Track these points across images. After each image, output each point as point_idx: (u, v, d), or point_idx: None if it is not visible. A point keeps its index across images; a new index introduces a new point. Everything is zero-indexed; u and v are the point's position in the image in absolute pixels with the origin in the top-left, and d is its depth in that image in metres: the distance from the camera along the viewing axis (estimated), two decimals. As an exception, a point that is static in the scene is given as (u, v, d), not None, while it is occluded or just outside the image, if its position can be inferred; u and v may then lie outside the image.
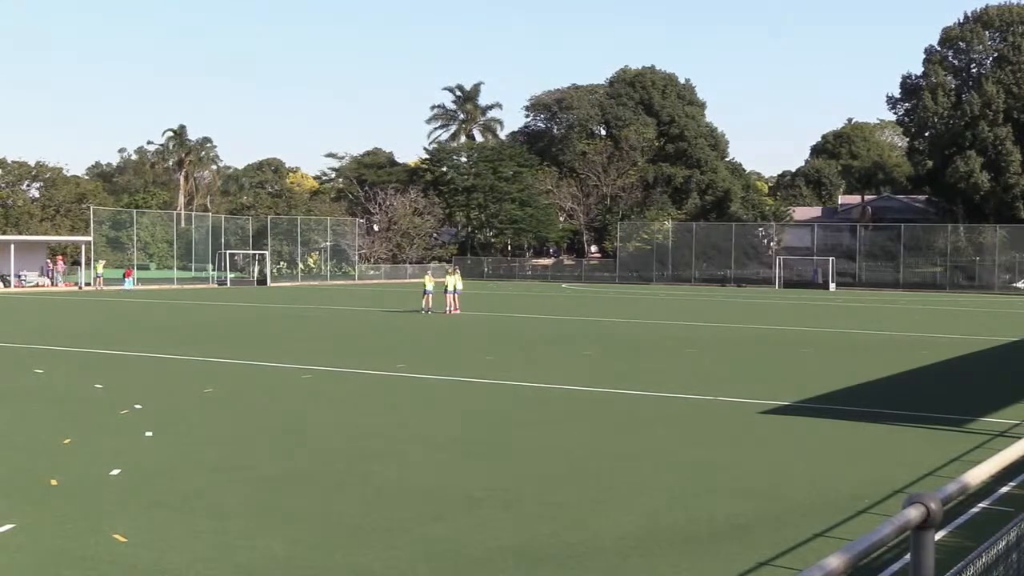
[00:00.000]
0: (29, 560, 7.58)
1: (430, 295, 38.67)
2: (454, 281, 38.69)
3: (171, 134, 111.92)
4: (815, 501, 9.59)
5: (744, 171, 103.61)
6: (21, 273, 60.70)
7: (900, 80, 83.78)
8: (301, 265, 79.33)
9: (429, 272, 45.01)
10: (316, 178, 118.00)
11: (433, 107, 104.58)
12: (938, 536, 4.34)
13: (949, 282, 72.77)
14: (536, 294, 58.88)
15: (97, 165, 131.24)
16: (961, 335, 30.33)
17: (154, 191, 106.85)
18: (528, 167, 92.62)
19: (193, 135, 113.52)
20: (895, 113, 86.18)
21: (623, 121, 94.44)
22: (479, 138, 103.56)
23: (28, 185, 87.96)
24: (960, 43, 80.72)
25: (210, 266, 73.81)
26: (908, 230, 76.69)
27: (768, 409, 15.29)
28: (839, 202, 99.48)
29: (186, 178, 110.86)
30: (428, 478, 10.40)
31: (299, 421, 13.85)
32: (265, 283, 70.69)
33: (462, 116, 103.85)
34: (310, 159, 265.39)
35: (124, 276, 62.93)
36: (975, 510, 9.06)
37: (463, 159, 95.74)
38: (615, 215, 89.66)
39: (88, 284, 61.87)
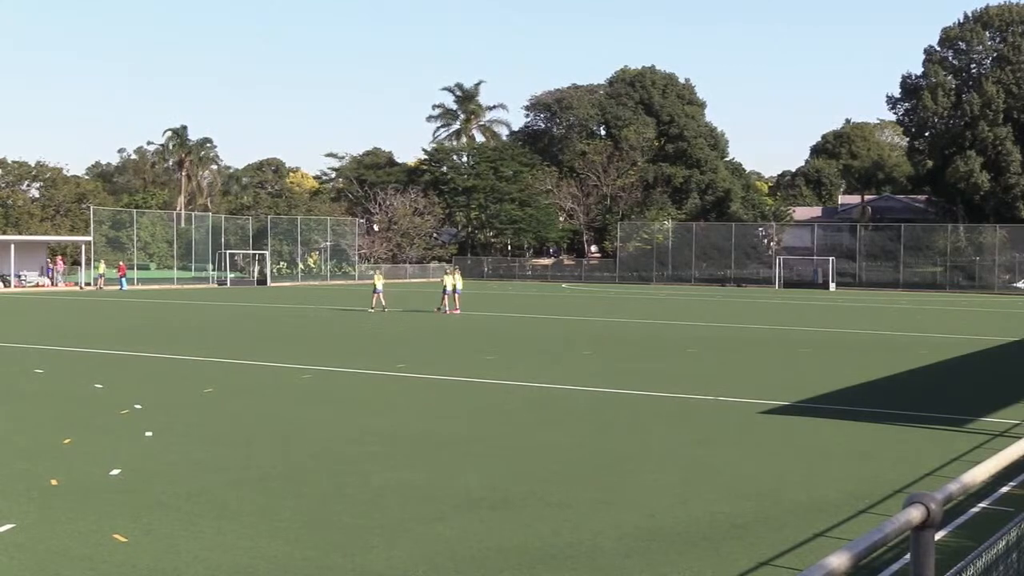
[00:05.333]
0: (29, 560, 7.58)
1: (380, 294, 39.29)
2: (454, 281, 38.73)
3: (171, 134, 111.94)
4: (815, 501, 9.59)
5: (744, 171, 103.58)
6: (21, 273, 60.71)
7: (900, 80, 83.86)
8: (301, 265, 79.33)
9: (379, 271, 45.70)
10: (316, 178, 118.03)
11: (434, 106, 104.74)
12: (938, 536, 4.34)
13: (949, 282, 72.76)
14: (536, 294, 58.88)
15: (97, 165, 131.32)
16: (961, 335, 30.33)
17: (154, 191, 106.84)
18: (528, 167, 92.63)
19: (193, 135, 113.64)
20: (895, 113, 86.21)
21: (623, 121, 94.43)
22: (480, 138, 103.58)
23: (28, 185, 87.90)
24: (960, 43, 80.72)
25: (210, 266, 73.80)
26: (908, 230, 76.68)
27: (768, 409, 15.29)
28: (839, 202, 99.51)
29: (187, 178, 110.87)
30: (428, 478, 10.40)
31: (299, 421, 13.85)
32: (265, 283, 70.70)
33: (463, 116, 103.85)
34: (310, 159, 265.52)
35: (119, 274, 62.66)
36: (975, 510, 9.06)
37: (463, 159, 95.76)
38: (615, 215, 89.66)
39: (88, 284, 61.87)
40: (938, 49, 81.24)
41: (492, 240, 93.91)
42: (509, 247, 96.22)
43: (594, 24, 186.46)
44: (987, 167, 75.95)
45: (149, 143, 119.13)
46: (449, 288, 38.37)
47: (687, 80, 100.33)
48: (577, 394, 16.86)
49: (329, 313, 38.98)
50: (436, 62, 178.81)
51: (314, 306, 43.36)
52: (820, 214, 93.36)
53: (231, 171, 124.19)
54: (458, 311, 37.89)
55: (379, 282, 40.44)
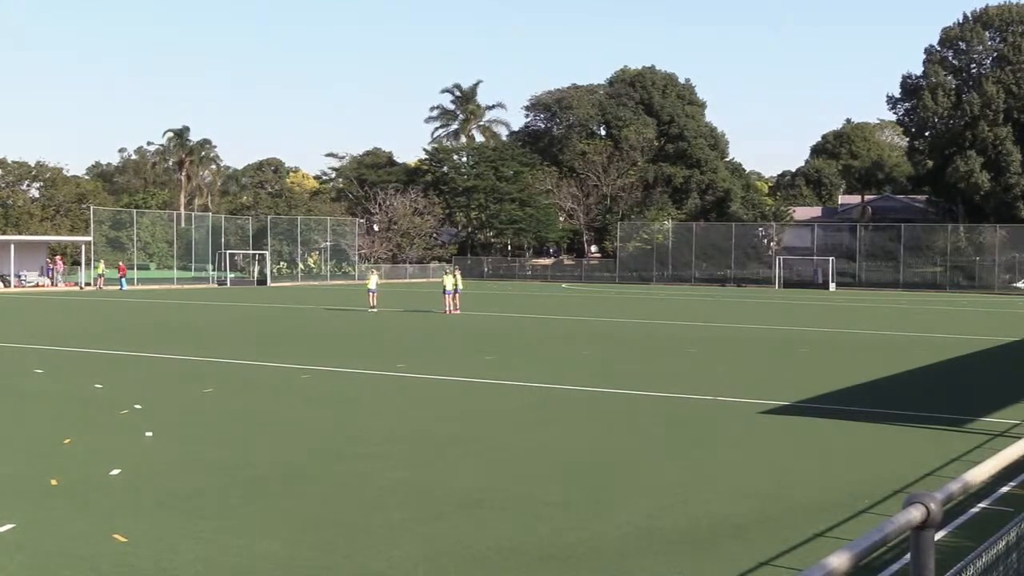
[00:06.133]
0: (29, 560, 7.58)
1: (374, 293, 39.74)
2: (453, 281, 38.72)
3: (172, 134, 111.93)
4: (815, 501, 9.59)
5: (744, 171, 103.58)
6: (21, 273, 60.70)
7: (900, 80, 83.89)
8: (301, 265, 79.33)
9: (374, 271, 46.12)
10: (316, 178, 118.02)
11: (432, 108, 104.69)
12: (938, 536, 4.33)
13: (949, 282, 72.76)
14: (536, 294, 58.88)
15: (97, 165, 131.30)
16: (961, 335, 30.32)
17: (154, 191, 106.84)
18: (528, 167, 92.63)
19: (193, 135, 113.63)
20: (895, 113, 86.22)
21: (623, 121, 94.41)
22: (479, 138, 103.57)
23: (28, 185, 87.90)
24: (960, 43, 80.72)
25: (210, 266, 73.81)
26: (908, 230, 76.68)
27: (768, 409, 15.29)
28: (839, 202, 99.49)
29: (187, 178, 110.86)
30: (428, 478, 10.40)
31: (299, 421, 13.85)
32: (265, 283, 70.70)
33: (462, 116, 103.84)
34: (310, 159, 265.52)
35: (119, 274, 62.77)
36: (975, 510, 9.06)
37: (463, 159, 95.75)
38: (615, 215, 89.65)
39: (88, 284, 61.86)
40: (938, 49, 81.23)
41: (492, 240, 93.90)
42: (509, 247, 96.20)
43: (594, 24, 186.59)
44: (987, 167, 75.93)
45: (149, 143, 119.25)
46: (449, 288, 38.36)
47: (687, 80, 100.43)
48: (577, 394, 16.85)
49: (329, 313, 38.97)
50: (436, 62, 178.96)
51: (314, 306, 43.35)
52: (820, 214, 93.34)
53: (231, 171, 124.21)
54: (458, 311, 37.88)
55: (372, 282, 40.81)
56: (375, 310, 38.89)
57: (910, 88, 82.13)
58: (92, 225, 67.48)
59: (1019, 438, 4.89)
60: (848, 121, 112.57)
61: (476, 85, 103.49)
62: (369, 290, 40.43)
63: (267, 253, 74.53)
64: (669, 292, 63.82)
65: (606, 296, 56.55)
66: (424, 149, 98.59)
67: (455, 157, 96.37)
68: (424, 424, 13.72)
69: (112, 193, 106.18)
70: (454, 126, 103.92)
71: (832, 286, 71.42)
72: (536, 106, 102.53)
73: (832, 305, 49.38)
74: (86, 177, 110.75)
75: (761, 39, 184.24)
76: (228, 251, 72.44)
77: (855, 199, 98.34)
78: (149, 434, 12.60)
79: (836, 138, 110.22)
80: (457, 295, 38.45)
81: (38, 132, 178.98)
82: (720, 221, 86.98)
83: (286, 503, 9.30)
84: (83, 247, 64.42)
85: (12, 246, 60.63)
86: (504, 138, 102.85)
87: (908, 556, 3.36)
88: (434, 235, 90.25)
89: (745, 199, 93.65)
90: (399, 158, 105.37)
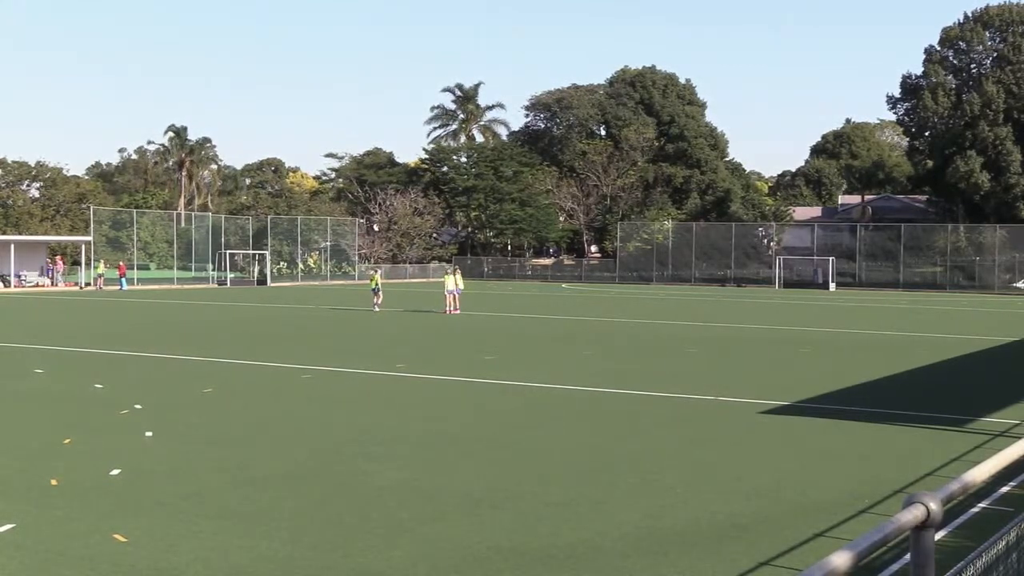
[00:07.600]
0: (29, 560, 7.58)
1: (377, 293, 40.35)
2: (455, 281, 38.76)
3: (172, 134, 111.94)
4: (815, 501, 9.59)
5: (744, 171, 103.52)
6: (21, 273, 60.70)
7: (900, 80, 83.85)
8: (301, 265, 79.33)
9: (377, 271, 46.40)
10: (316, 178, 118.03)
11: (433, 108, 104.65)
12: (938, 536, 4.33)
13: (949, 282, 72.76)
14: (536, 294, 58.87)
15: (97, 165, 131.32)
16: (961, 335, 30.32)
17: (154, 191, 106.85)
18: (528, 167, 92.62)
19: (193, 135, 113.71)
20: (895, 113, 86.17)
21: (623, 121, 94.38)
22: (479, 138, 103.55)
23: (28, 185, 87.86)
24: (960, 43, 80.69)
25: (210, 266, 73.81)
26: (908, 230, 76.67)
27: (768, 409, 15.29)
28: (839, 202, 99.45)
29: (188, 178, 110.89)
30: (428, 478, 10.40)
31: (299, 421, 13.85)
32: (265, 283, 70.71)
33: (462, 116, 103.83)
34: (310, 159, 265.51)
35: (119, 274, 62.74)
36: (975, 510, 9.06)
37: (463, 159, 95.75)
38: (615, 215, 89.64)
39: (88, 284, 61.86)
40: (938, 49, 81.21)
41: (492, 240, 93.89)
42: (509, 247, 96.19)
43: (594, 24, 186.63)
44: (987, 167, 75.88)
45: (150, 143, 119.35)
46: (451, 288, 38.41)
47: (687, 80, 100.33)
48: (577, 394, 16.85)
49: (329, 313, 38.99)
50: (436, 62, 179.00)
51: (314, 306, 43.36)
52: (820, 214, 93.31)
53: (230, 171, 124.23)
54: (458, 311, 37.89)
55: (374, 282, 41.11)
56: (378, 310, 39.00)
57: (910, 88, 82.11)
58: (92, 225, 67.47)
59: (1019, 438, 4.89)
60: (848, 121, 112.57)
61: (478, 85, 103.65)
62: (373, 290, 40.65)
63: (267, 253, 74.54)
64: (669, 292, 63.82)
65: (606, 296, 56.55)
66: (424, 149, 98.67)
67: (455, 157, 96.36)
68: (424, 424, 13.71)
69: (112, 193, 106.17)
70: (454, 126, 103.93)
71: (832, 286, 71.41)
72: (536, 106, 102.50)
73: (832, 305, 49.38)
74: (86, 177, 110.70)
75: (761, 39, 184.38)
76: (228, 251, 72.44)
77: (855, 199, 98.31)
78: (149, 434, 12.60)
79: (836, 138, 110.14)
80: (457, 295, 38.48)
81: (38, 132, 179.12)
82: (720, 221, 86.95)
83: (286, 503, 9.30)
84: (83, 247, 64.41)
85: (12, 246, 60.63)
86: (504, 138, 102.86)
87: (908, 556, 3.36)
88: (434, 235, 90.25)
89: (745, 199, 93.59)
90: (399, 158, 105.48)
